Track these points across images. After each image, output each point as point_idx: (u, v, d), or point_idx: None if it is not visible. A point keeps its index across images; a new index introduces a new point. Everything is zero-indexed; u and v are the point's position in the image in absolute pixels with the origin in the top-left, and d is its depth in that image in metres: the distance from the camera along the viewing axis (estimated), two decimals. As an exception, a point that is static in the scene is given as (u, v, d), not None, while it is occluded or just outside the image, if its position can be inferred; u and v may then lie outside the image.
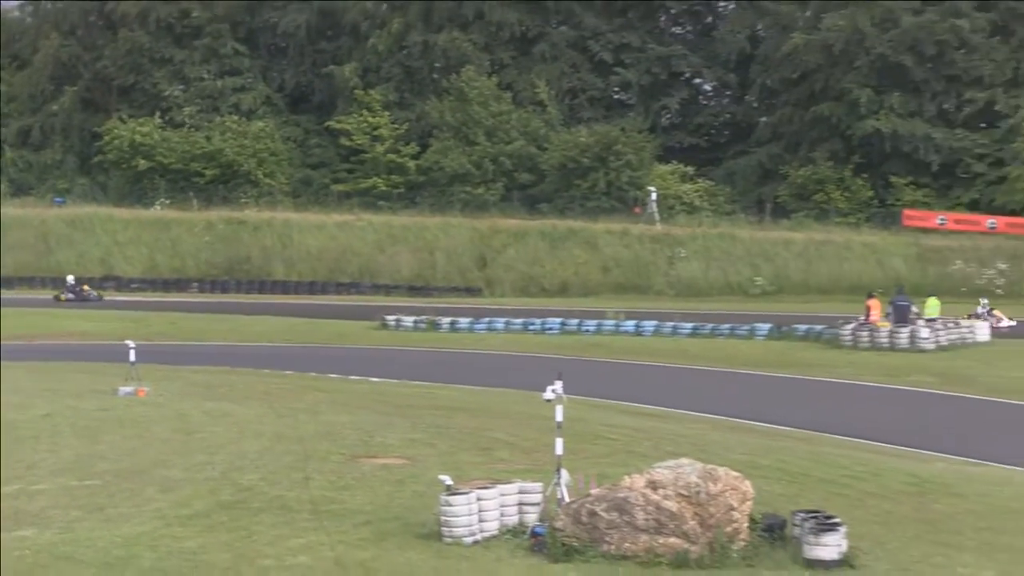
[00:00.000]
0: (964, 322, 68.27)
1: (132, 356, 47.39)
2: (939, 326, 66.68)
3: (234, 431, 37.87)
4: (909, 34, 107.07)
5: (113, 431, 37.25)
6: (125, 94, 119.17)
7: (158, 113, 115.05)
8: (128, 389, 44.90)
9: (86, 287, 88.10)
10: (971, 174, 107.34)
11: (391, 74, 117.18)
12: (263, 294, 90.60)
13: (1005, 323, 68.32)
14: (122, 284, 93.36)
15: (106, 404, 42.78)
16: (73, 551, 24.81)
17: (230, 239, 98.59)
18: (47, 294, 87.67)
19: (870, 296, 70.44)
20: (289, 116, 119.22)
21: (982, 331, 67.42)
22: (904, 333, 65.57)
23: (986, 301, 70.17)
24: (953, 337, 66.16)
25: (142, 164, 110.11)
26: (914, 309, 68.25)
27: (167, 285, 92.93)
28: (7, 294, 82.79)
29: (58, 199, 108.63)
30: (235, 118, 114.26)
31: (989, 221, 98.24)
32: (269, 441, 36.24)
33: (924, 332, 65.57)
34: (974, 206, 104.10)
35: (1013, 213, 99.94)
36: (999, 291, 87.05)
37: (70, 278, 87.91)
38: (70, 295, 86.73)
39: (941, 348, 64.66)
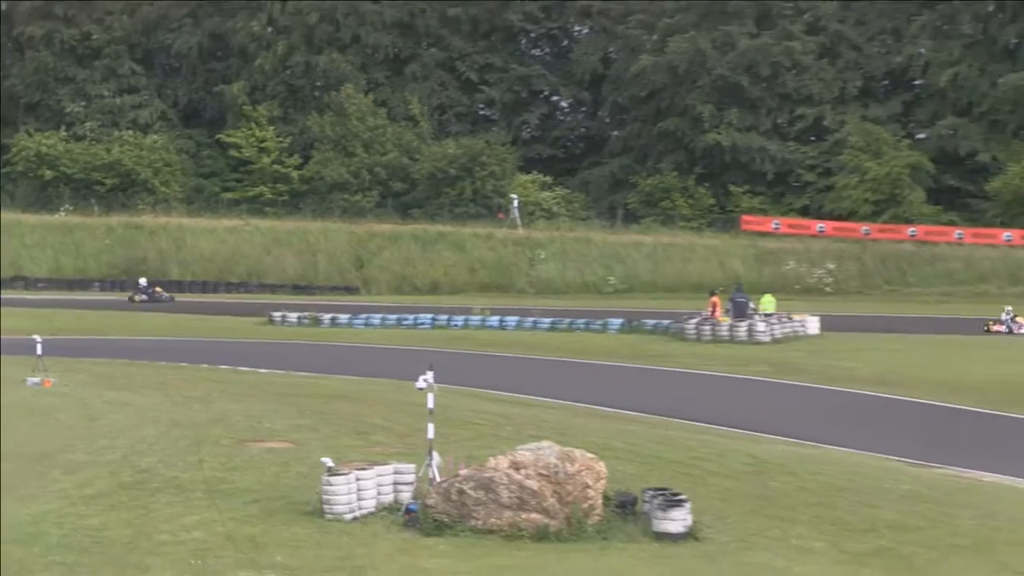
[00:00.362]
0: (796, 316, 68.88)
1: (39, 349, 47.18)
2: (774, 321, 67.44)
3: (133, 418, 37.80)
4: (746, 56, 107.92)
5: (21, 418, 36.99)
6: (31, 110, 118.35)
7: (62, 127, 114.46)
8: (35, 380, 44.66)
9: (158, 289, 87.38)
10: (802, 183, 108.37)
11: (276, 92, 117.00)
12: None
13: None
14: (29, 284, 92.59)
15: (14, 394, 42.52)
16: (-15, 528, 24.69)
17: (128, 242, 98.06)
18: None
19: (712, 294, 71.05)
20: (183, 130, 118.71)
21: (812, 325, 68.10)
22: (743, 327, 66.24)
23: (1010, 308, 68.62)
24: (786, 330, 66.89)
25: (47, 174, 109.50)
26: (752, 305, 68.87)
27: (71, 284, 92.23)
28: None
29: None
30: (133, 132, 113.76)
31: (864, 228, 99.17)
32: (165, 427, 36.19)
33: (760, 326, 66.30)
34: (805, 212, 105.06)
35: (839, 218, 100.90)
36: (827, 289, 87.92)
37: (142, 281, 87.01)
38: (143, 296, 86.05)
39: (776, 340, 65.33)
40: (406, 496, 27.81)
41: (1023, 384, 52.41)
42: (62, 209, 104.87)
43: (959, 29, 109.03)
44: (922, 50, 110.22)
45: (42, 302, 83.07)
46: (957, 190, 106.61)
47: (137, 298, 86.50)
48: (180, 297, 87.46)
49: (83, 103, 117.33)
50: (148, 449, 33.00)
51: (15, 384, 44.66)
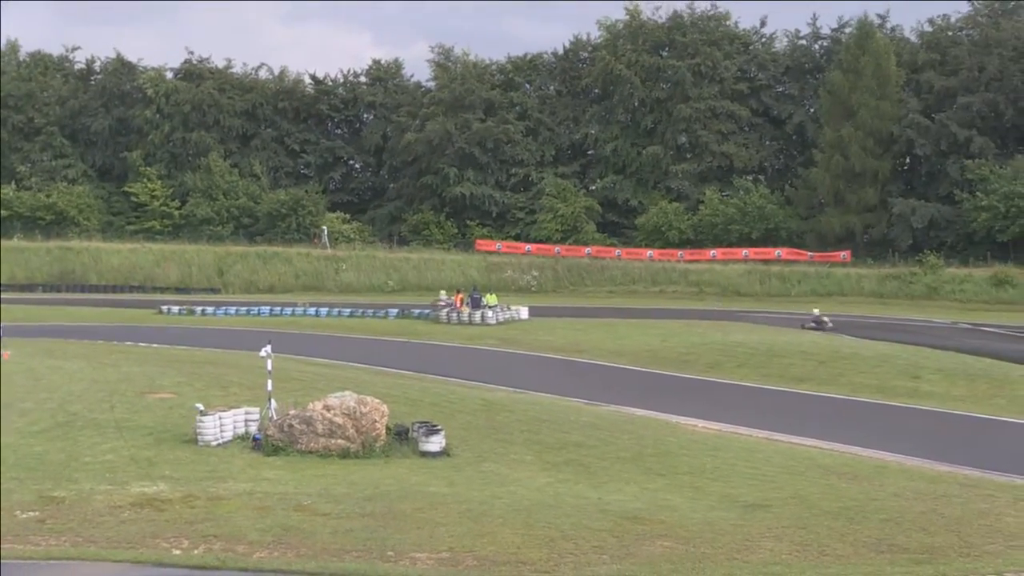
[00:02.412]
0: (513, 307, 69.25)
1: (1, 332, 46.02)
2: (498, 310, 67.58)
3: (65, 378, 37.02)
4: (478, 134, 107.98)
5: (-14, 380, 36.07)
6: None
7: (13, 182, 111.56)
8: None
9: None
10: (516, 219, 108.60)
11: (163, 157, 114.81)
12: (83, 293, 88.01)
13: None
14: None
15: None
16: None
17: (62, 259, 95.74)
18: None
19: (457, 292, 71.36)
20: (99, 183, 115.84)
21: (524, 313, 68.48)
22: (477, 314, 66.42)
23: (817, 310, 66.90)
24: (506, 316, 67.18)
25: (4, 212, 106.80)
26: (483, 300, 69.07)
27: (23, 288, 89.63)
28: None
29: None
30: (64, 184, 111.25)
31: (556, 248, 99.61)
32: (87, 384, 35.47)
33: (489, 313, 66.51)
34: (517, 237, 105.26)
35: (540, 242, 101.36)
36: (533, 288, 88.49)
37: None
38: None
39: (500, 323, 65.55)
40: (253, 429, 27.68)
41: (660, 350, 53.22)
42: (15, 236, 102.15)
43: (616, 116, 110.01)
44: (592, 131, 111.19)
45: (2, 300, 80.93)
46: (617, 223, 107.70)
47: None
48: (96, 296, 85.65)
49: (29, 165, 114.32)
50: (76, 399, 32.34)
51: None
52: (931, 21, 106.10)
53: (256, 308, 73.93)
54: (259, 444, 26.60)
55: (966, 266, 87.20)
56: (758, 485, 24.96)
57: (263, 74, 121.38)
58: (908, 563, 19.20)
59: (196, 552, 18.14)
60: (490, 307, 68.35)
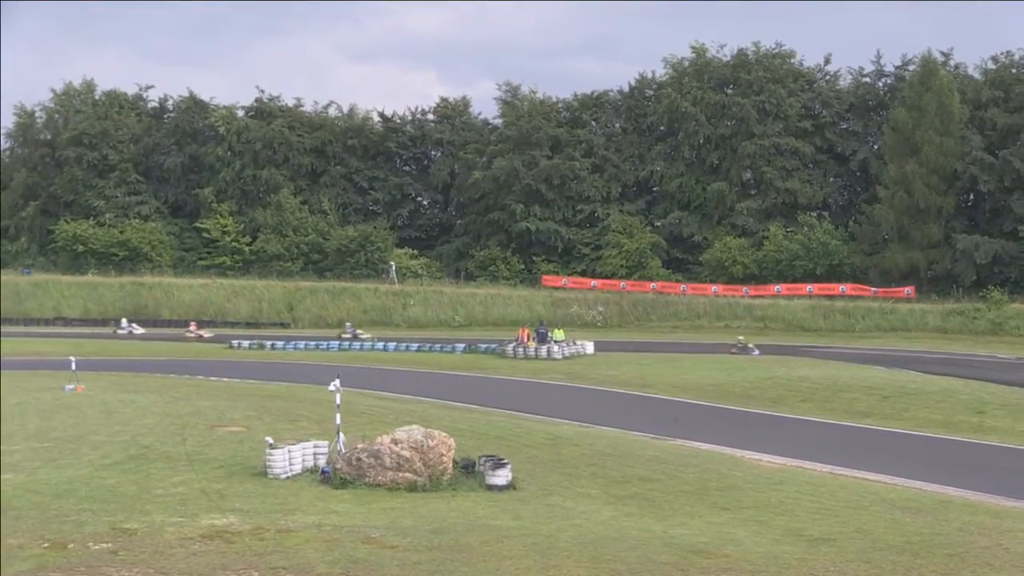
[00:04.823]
0: (579, 342, 69.13)
1: (73, 365, 46.69)
2: (564, 344, 67.53)
3: (137, 411, 37.34)
4: (544, 171, 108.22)
5: (61, 413, 36.50)
6: (67, 206, 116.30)
7: (90, 217, 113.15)
8: (71, 386, 44.02)
9: (134, 324, 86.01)
10: (581, 254, 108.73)
11: (234, 194, 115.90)
12: (156, 328, 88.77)
13: None
14: (67, 322, 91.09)
15: (57, 396, 41.87)
16: (36, 487, 24.44)
17: (134, 294, 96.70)
18: (17, 329, 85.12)
19: (522, 328, 71.37)
20: (171, 219, 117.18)
21: (589, 347, 68.36)
22: (544, 349, 66.40)
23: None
24: (572, 351, 67.06)
25: (80, 248, 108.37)
26: (549, 334, 69.10)
27: (95, 323, 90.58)
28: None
29: (25, 270, 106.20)
30: (138, 221, 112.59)
31: (622, 284, 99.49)
32: (159, 417, 35.74)
33: (555, 348, 66.45)
34: (583, 273, 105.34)
35: (606, 277, 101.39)
36: (599, 324, 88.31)
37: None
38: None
39: (566, 358, 65.49)
40: (322, 462, 27.75)
41: (723, 385, 53.01)
42: (89, 272, 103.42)
43: (682, 154, 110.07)
44: (658, 167, 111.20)
45: (75, 335, 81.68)
46: (681, 259, 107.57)
47: (119, 331, 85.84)
48: (169, 331, 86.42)
49: (103, 201, 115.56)
50: (148, 432, 32.60)
51: (57, 390, 44.02)
52: (995, 59, 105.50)
53: (325, 343, 74.31)
54: (327, 477, 26.68)
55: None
56: (822, 519, 24.79)
57: (332, 112, 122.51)
58: (974, 599, 19.01)
59: (266, 584, 18.21)
60: (556, 342, 68.35)
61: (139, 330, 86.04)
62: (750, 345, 69.37)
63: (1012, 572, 20.57)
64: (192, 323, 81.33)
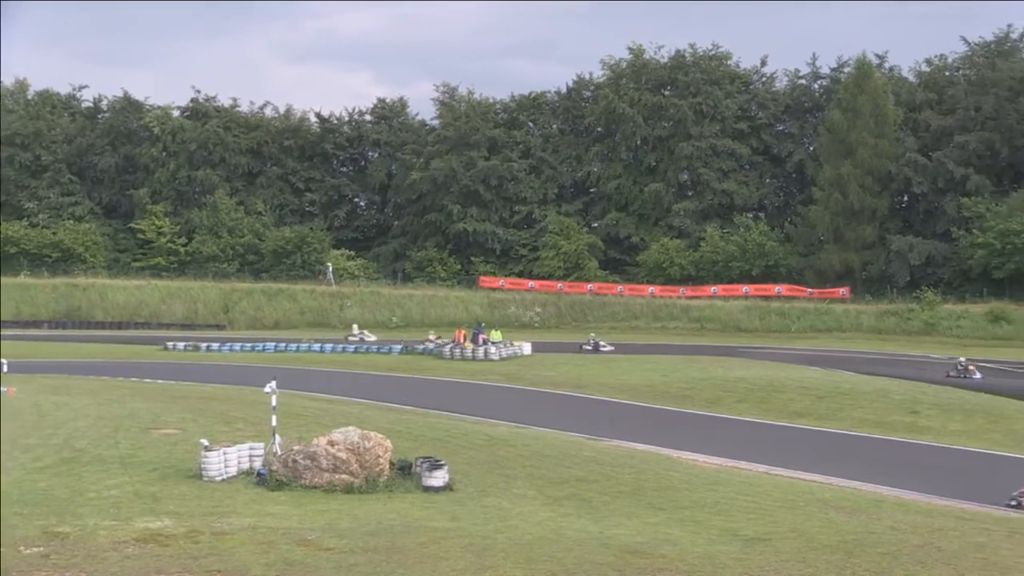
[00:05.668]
0: (516, 343, 69.13)
1: (5, 368, 46.22)
2: (501, 345, 67.52)
3: (70, 414, 36.96)
4: (482, 172, 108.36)
5: (-6, 416, 36.09)
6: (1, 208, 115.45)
7: (24, 218, 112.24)
8: (3, 389, 43.53)
9: (366, 332, 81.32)
10: (519, 255, 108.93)
11: (169, 195, 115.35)
12: (89, 329, 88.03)
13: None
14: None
15: (-11, 399, 41.43)
16: (-31, 491, 24.19)
17: (68, 295, 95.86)
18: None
19: (458, 329, 71.37)
20: (105, 220, 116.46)
21: (526, 348, 68.37)
22: (480, 350, 66.37)
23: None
24: (509, 352, 67.00)
25: (12, 249, 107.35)
26: (486, 335, 69.11)
27: (27, 325, 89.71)
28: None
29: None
30: (71, 222, 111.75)
31: (559, 285, 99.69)
32: (93, 420, 35.42)
33: (492, 349, 66.41)
34: (521, 274, 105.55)
35: (543, 278, 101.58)
36: (536, 324, 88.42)
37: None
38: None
39: (503, 359, 65.39)
40: (257, 464, 27.66)
41: (659, 386, 53.19)
42: (22, 273, 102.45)
43: (619, 155, 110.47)
44: (595, 169, 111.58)
45: (7, 336, 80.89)
46: (619, 260, 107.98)
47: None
48: (102, 332, 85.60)
49: (36, 202, 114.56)
50: (81, 435, 32.30)
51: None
52: (928, 61, 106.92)
53: (260, 344, 73.93)
54: (263, 479, 26.58)
55: (963, 302, 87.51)
56: (758, 519, 24.95)
57: (268, 112, 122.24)
58: (906, 597, 19.24)
59: (200, 587, 18.12)
60: (493, 343, 68.39)
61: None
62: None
63: (943, 570, 20.80)
64: (354, 325, 79.44)
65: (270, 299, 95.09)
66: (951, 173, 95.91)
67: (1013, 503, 29.39)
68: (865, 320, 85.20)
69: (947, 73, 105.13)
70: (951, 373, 56.88)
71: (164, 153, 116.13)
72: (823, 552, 21.73)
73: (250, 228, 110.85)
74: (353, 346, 72.18)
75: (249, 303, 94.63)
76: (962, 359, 58.51)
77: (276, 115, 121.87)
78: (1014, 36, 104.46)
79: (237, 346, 73.62)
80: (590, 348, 69.73)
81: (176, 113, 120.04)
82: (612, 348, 70.41)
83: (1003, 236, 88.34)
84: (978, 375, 56.27)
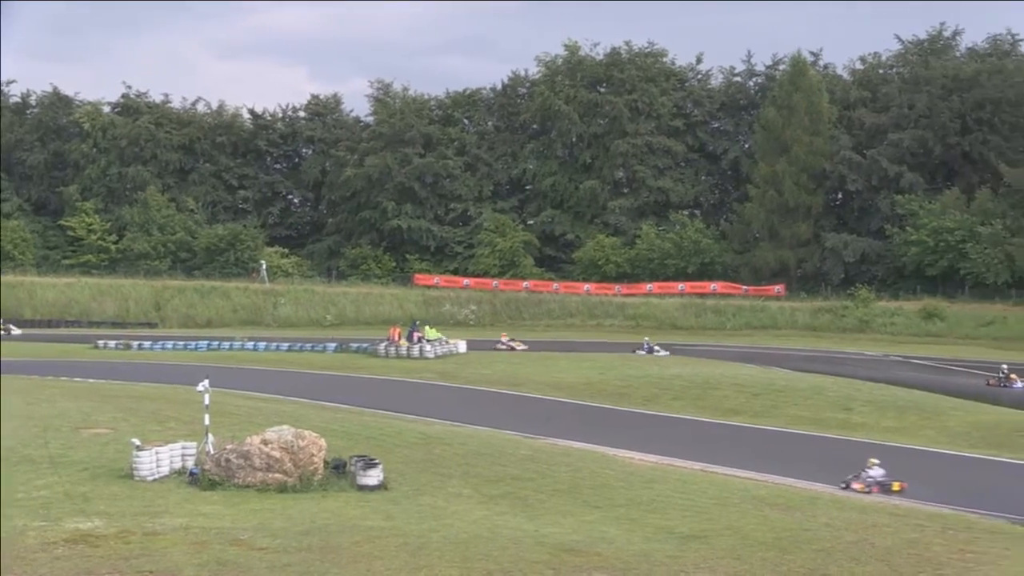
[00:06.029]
0: (451, 341, 69.06)
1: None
2: (437, 344, 67.43)
3: None
4: (417, 169, 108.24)
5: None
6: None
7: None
8: None
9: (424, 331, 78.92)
10: (454, 253, 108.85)
11: (99, 192, 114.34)
12: (18, 328, 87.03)
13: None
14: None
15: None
16: None
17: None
18: None
19: (393, 326, 71.22)
20: (34, 217, 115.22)
21: (461, 346, 68.37)
22: (415, 348, 66.31)
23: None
24: (445, 350, 66.97)
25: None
26: (421, 333, 69.02)
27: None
28: None
29: None
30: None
31: (494, 282, 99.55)
32: (21, 420, 35.05)
33: (427, 347, 66.35)
34: (456, 271, 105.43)
35: (478, 276, 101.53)
36: (471, 322, 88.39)
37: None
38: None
39: (438, 357, 65.35)
40: (190, 463, 27.53)
41: (596, 384, 53.41)
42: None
43: (555, 152, 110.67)
44: (530, 166, 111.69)
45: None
46: (554, 258, 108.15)
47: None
48: (31, 331, 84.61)
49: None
50: (9, 435, 31.91)
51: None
52: (863, 59, 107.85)
53: (193, 343, 73.40)
54: (196, 479, 26.45)
55: (896, 299, 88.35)
56: (693, 517, 25.11)
57: (201, 108, 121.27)
58: (840, 593, 19.42)
59: (131, 588, 18.00)
60: (428, 341, 68.32)
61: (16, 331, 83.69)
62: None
63: (877, 567, 21.03)
64: (504, 334, 75.57)
65: (203, 297, 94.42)
66: (885, 171, 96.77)
67: (843, 485, 31.32)
68: (800, 317, 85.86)
69: (881, 71, 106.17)
70: (992, 382, 54.55)
71: (95, 149, 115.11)
72: (758, 549, 21.90)
73: (182, 225, 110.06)
74: (300, 345, 71.81)
75: (181, 301, 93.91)
76: (1005, 366, 55.81)
77: (209, 111, 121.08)
78: (947, 34, 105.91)
79: (169, 344, 73.11)
80: (644, 352, 67.65)
81: (107, 109, 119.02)
82: (667, 353, 67.44)
83: (936, 234, 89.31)
84: (1020, 384, 53.57)
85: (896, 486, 31.24)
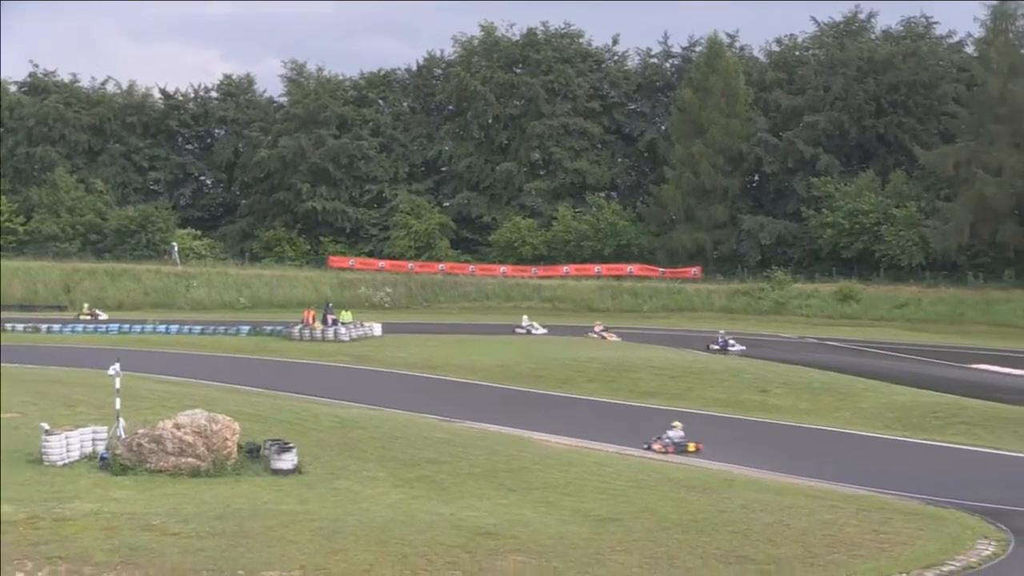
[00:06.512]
0: (366, 324, 68.92)
1: None
2: (352, 327, 67.34)
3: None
4: (331, 150, 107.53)
5: None
6: None
7: None
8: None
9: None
10: (369, 235, 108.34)
11: (6, 172, 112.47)
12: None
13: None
14: None
15: None
16: None
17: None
18: None
19: (308, 309, 70.95)
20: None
21: (377, 329, 68.26)
22: (330, 331, 66.15)
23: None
24: (360, 333, 66.88)
25: None
26: (335, 317, 68.83)
27: None
28: None
29: None
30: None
31: (410, 265, 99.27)
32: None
33: (342, 330, 66.24)
34: (371, 254, 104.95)
35: (394, 258, 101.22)
36: (387, 305, 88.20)
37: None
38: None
39: (353, 340, 65.23)
40: (101, 448, 27.32)
41: (512, 366, 53.53)
42: None
43: (471, 133, 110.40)
44: (446, 147, 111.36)
45: None
46: (470, 240, 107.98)
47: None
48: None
49: None
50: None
51: None
52: (779, 41, 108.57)
53: (104, 326, 72.66)
54: (107, 464, 26.26)
55: (812, 282, 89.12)
56: (609, 499, 25.30)
57: (111, 88, 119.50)
58: (755, 574, 19.74)
59: (40, 575, 17.85)
60: (343, 324, 68.14)
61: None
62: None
63: (793, 547, 21.34)
64: (597, 323, 71.19)
65: (113, 279, 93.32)
66: (801, 153, 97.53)
67: (645, 446, 34.79)
68: (716, 300, 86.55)
69: (797, 53, 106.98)
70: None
71: (1, 129, 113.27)
72: (674, 531, 22.13)
73: (92, 207, 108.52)
74: (213, 327, 71.29)
75: (92, 283, 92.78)
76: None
77: (119, 91, 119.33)
78: (862, 17, 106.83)
79: (79, 327, 72.33)
80: (718, 348, 62.07)
81: (13, 88, 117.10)
82: (744, 348, 62.29)
83: (851, 216, 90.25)
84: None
85: (692, 447, 35.20)
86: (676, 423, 36.22)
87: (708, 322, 78.03)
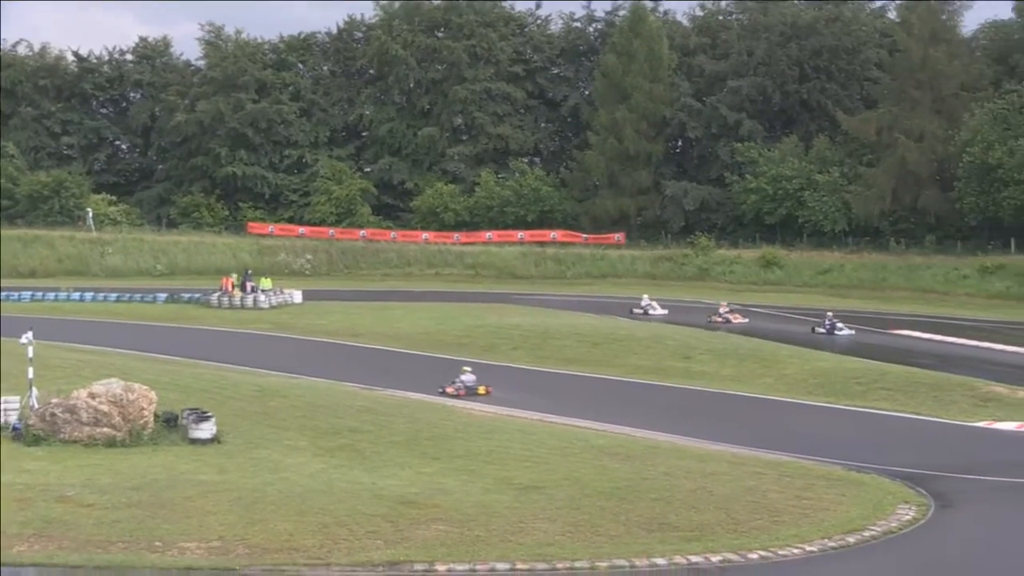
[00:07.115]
0: (286, 291, 68.69)
1: None
2: (271, 294, 67.22)
3: None
4: (250, 115, 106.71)
5: None
6: None
7: None
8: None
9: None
10: (289, 201, 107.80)
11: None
12: None
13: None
14: None
15: None
16: None
17: None
18: None
19: (226, 276, 70.47)
20: None
21: (297, 296, 68.08)
22: (249, 298, 65.89)
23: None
24: (280, 300, 66.77)
25: None
26: (254, 284, 68.54)
27: None
28: None
29: None
30: None
31: (330, 231, 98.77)
32: None
33: (262, 298, 66.09)
34: (291, 220, 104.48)
35: (314, 224, 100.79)
36: (307, 272, 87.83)
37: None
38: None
39: (273, 308, 65.11)
40: (13, 418, 27.03)
41: (434, 334, 53.59)
42: None
43: (392, 98, 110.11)
44: (367, 112, 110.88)
45: None
46: (392, 206, 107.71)
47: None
48: None
49: None
50: None
51: None
52: (702, 6, 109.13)
53: (15, 293, 71.76)
54: (19, 434, 26.01)
55: (736, 248, 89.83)
56: (532, 467, 25.39)
57: (22, 50, 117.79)
58: (678, 541, 19.88)
59: (-49, 548, 17.66)
60: (263, 291, 67.83)
61: None
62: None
63: (716, 514, 21.52)
64: (723, 303, 64.41)
65: (25, 246, 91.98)
66: (724, 118, 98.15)
67: (440, 391, 38.40)
68: (640, 266, 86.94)
69: (720, 18, 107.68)
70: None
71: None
72: (597, 499, 22.25)
73: (3, 172, 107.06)
74: (129, 295, 70.67)
75: (4, 251, 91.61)
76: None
77: (31, 53, 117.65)
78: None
79: (-9, 295, 71.48)
80: (824, 332, 56.63)
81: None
82: (852, 332, 57.01)
83: (775, 182, 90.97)
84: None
85: (482, 390, 38.94)
86: (466, 368, 40.33)
87: (632, 288, 78.24)
